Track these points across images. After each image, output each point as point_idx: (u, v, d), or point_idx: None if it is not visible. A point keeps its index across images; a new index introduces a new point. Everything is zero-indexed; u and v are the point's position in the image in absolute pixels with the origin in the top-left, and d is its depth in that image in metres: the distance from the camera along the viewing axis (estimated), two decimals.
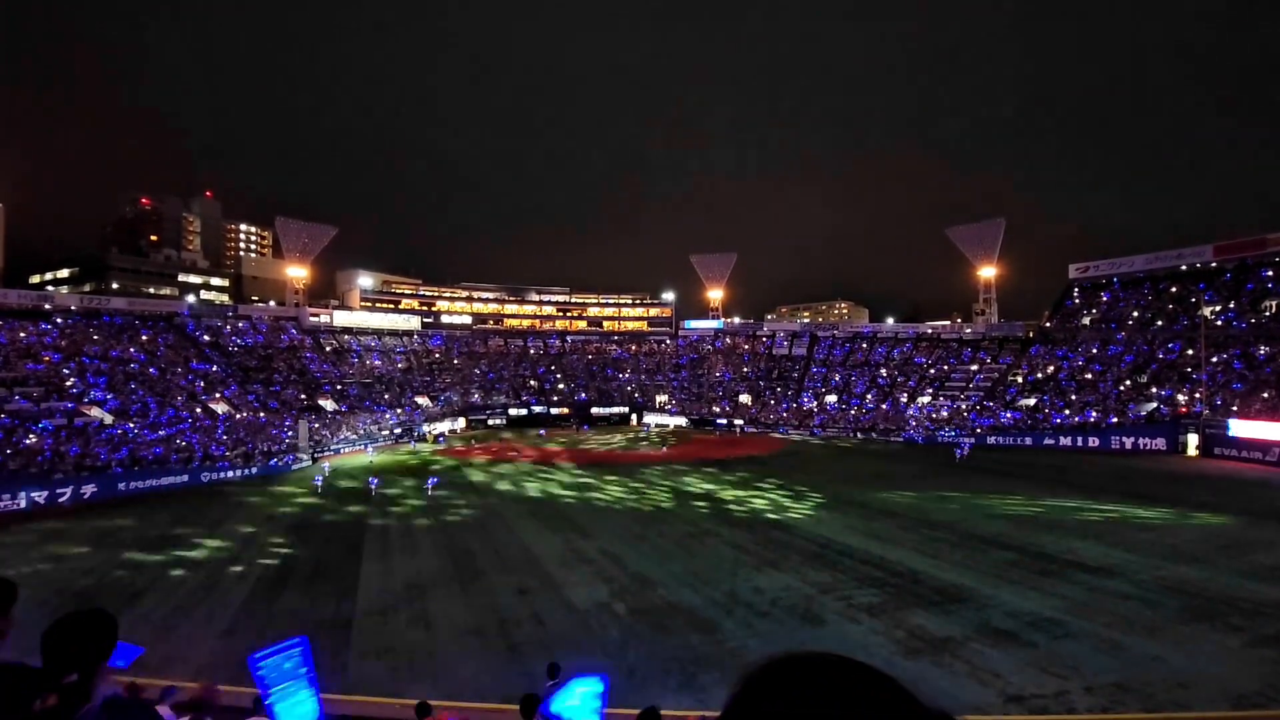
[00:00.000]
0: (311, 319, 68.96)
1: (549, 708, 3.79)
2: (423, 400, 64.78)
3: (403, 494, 31.52)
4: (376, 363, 68.72)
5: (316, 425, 49.91)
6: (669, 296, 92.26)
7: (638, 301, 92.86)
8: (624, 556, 19.80)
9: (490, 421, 67.06)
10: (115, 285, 78.62)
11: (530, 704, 7.65)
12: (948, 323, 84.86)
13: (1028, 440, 46.96)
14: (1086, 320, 58.14)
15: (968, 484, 31.65)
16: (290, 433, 46.00)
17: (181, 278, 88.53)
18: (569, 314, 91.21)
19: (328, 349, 66.34)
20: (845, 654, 0.79)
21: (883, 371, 65.65)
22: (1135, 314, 54.86)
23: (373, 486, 31.76)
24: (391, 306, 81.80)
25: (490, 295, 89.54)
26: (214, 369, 52.49)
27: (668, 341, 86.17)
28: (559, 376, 76.68)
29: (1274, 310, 46.62)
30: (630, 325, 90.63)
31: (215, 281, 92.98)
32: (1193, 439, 40.26)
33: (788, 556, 19.40)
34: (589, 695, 3.72)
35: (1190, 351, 47.06)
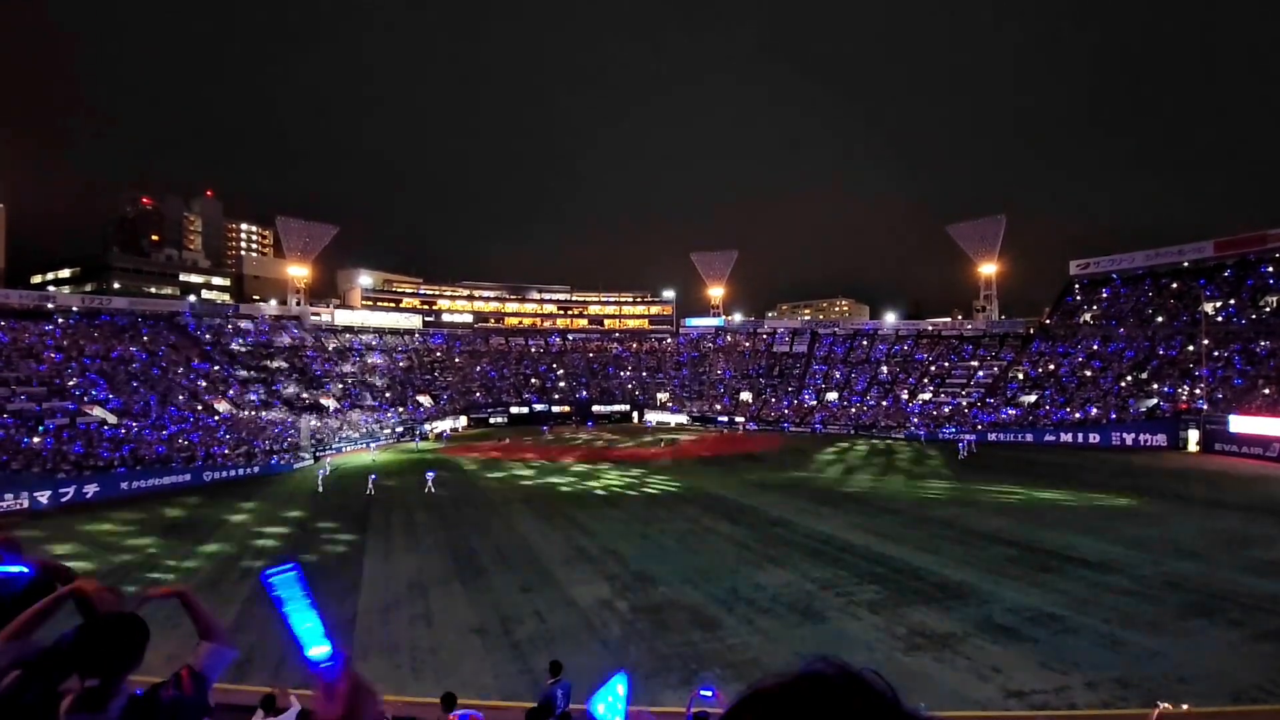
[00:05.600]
0: (313, 318, 69.06)
1: (590, 709, 4.01)
2: (424, 399, 64.88)
3: (404, 492, 31.58)
4: (378, 361, 68.78)
5: (318, 424, 50.01)
6: (670, 294, 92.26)
7: (639, 299, 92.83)
8: (625, 554, 19.84)
9: (492, 420, 67.16)
10: (117, 285, 78.68)
11: (538, 714, 7.68)
12: (948, 320, 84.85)
13: (1029, 437, 46.98)
14: (1087, 317, 58.07)
15: (968, 482, 31.69)
16: (292, 431, 46.08)
17: (183, 277, 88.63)
18: (570, 312, 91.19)
19: (329, 348, 66.42)
20: (850, 673, 0.76)
21: (884, 369, 65.62)
22: (1136, 310, 54.80)
23: (372, 483, 31.79)
24: (393, 305, 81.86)
25: (491, 294, 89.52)
26: (215, 368, 52.58)
27: (669, 339, 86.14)
28: (560, 375, 76.73)
29: (1275, 306, 46.54)
30: (631, 323, 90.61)
31: (216, 281, 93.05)
32: (1193, 435, 40.25)
33: (789, 553, 19.44)
34: (622, 696, 3.91)
35: (1191, 348, 47.01)
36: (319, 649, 1.40)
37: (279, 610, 1.47)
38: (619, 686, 3.95)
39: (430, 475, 32.26)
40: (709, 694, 5.67)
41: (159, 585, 2.31)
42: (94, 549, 22.50)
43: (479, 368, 75.48)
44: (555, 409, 70.06)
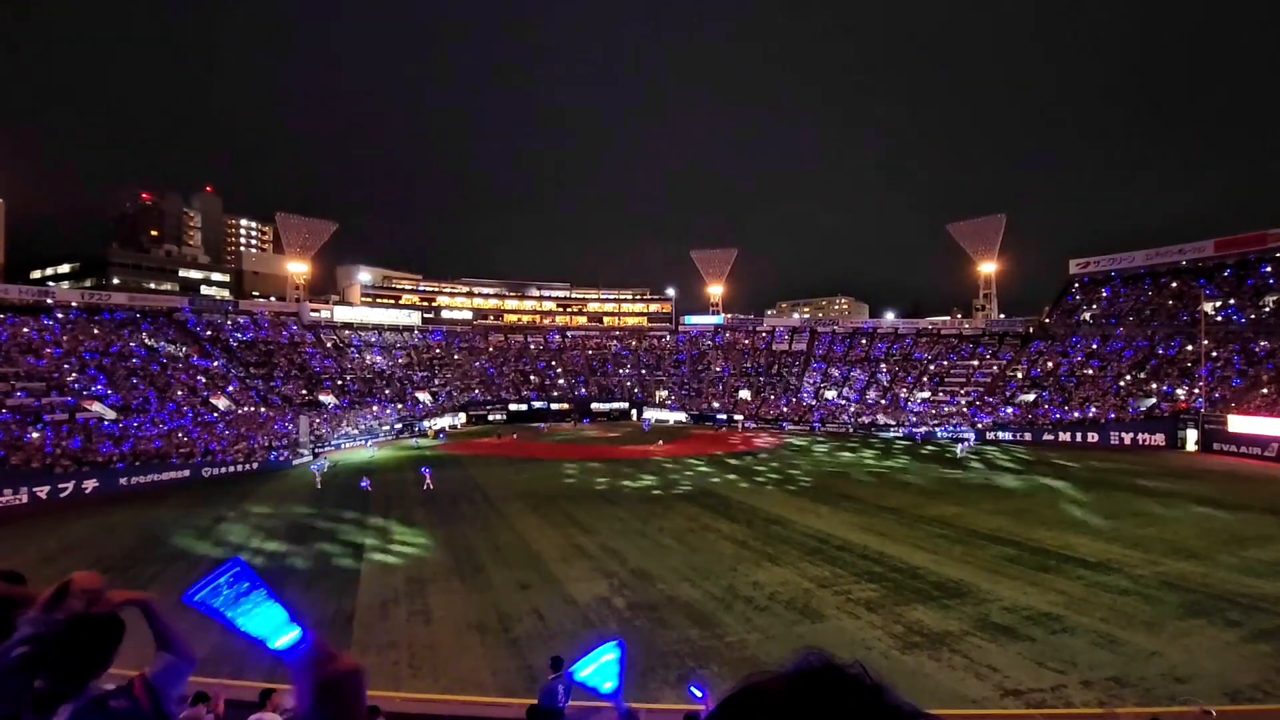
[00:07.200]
0: (312, 314, 68.95)
1: (573, 675, 3.93)
2: (423, 396, 64.85)
3: (402, 490, 31.57)
4: (377, 358, 68.74)
5: (317, 420, 49.99)
6: (669, 292, 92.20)
7: (638, 297, 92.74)
8: (624, 552, 19.86)
9: (490, 417, 67.16)
10: (116, 281, 78.56)
11: (535, 714, 7.75)
12: (948, 318, 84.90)
13: (1027, 436, 47.01)
14: (1087, 316, 58.08)
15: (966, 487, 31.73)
16: (291, 428, 46.08)
17: (182, 273, 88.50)
18: (569, 309, 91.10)
19: (328, 344, 66.35)
20: (838, 668, 0.77)
21: (883, 367, 65.62)
22: (1135, 310, 54.81)
23: (365, 487, 31.53)
24: (392, 302, 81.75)
25: (491, 291, 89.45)
26: (215, 364, 52.54)
27: (668, 337, 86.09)
28: (559, 372, 76.70)
29: (1274, 306, 46.57)
30: (630, 321, 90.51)
31: (216, 277, 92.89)
32: (1192, 434, 40.28)
33: (786, 551, 19.46)
34: (611, 662, 3.83)
35: (1190, 347, 47.05)
36: (283, 639, 1.30)
37: (221, 620, 1.36)
38: (606, 655, 3.88)
39: (426, 472, 32.19)
40: (699, 694, 5.61)
41: (121, 590, 2.18)
42: (91, 545, 22.50)
43: (478, 365, 75.44)
44: (554, 406, 70.05)
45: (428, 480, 31.43)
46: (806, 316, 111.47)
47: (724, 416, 64.82)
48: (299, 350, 62.30)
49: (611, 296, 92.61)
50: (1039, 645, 12.41)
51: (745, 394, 69.10)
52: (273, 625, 1.31)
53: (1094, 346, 53.58)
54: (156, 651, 2.14)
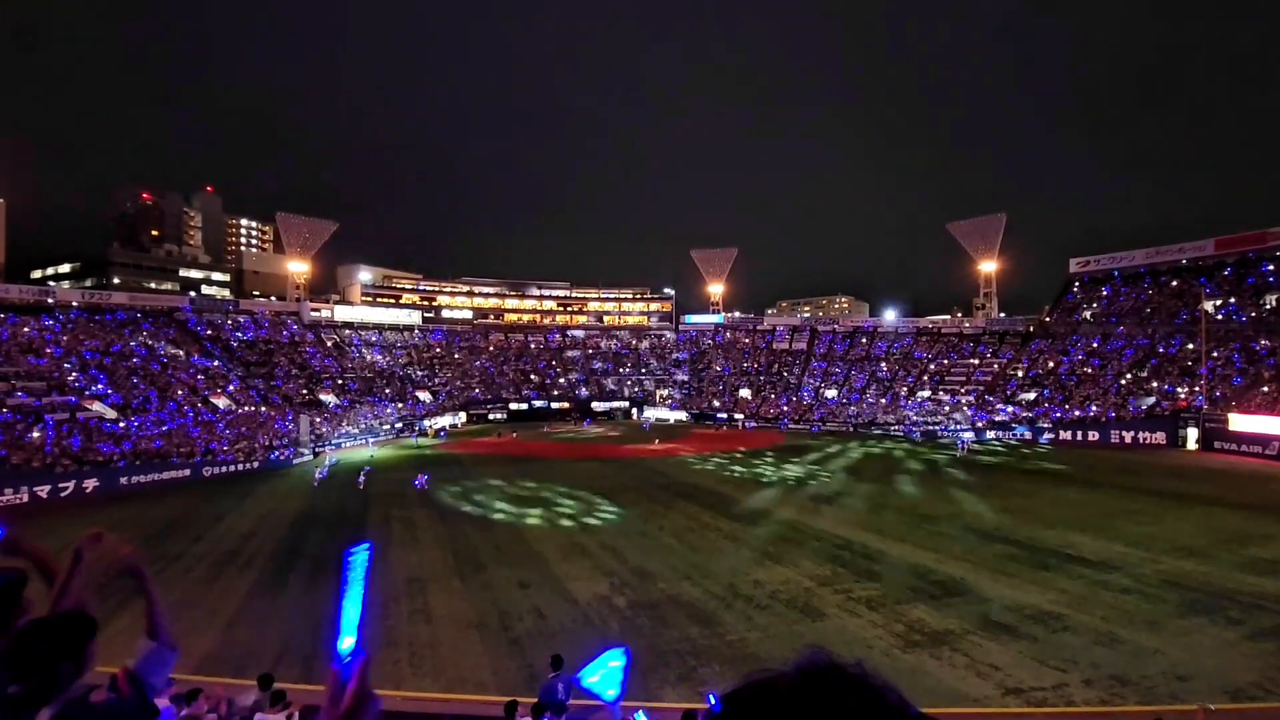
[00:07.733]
0: (312, 314, 68.95)
1: (580, 680, 3.96)
2: (424, 395, 64.86)
3: (402, 489, 31.55)
4: (377, 357, 68.76)
5: (318, 419, 49.99)
6: (670, 291, 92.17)
7: (639, 296, 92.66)
8: (624, 550, 19.85)
9: (491, 416, 67.18)
10: (117, 280, 78.59)
11: (512, 710, 7.78)
12: (948, 317, 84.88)
13: (1027, 434, 46.99)
14: (1087, 314, 58.05)
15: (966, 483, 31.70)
16: (292, 427, 46.08)
17: (183, 273, 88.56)
18: (570, 309, 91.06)
19: (329, 344, 66.35)
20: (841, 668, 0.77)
21: (883, 366, 65.62)
22: (1136, 308, 54.76)
23: (361, 483, 31.62)
24: (392, 301, 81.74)
25: (491, 290, 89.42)
26: (215, 364, 52.55)
27: (668, 336, 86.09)
28: (559, 371, 76.71)
29: (1275, 304, 46.54)
30: (631, 320, 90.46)
31: (216, 276, 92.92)
32: (1192, 433, 40.27)
33: (787, 550, 19.46)
34: (616, 670, 3.84)
35: (1191, 346, 47.01)
36: (348, 640, 1.37)
37: (341, 589, 1.43)
38: (612, 661, 3.89)
39: (420, 481, 32.00)
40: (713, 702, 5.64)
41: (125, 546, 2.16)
42: None
43: (478, 364, 75.46)
44: (555, 405, 70.07)
45: (418, 485, 31.23)
46: (807, 315, 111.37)
47: (724, 415, 64.84)
48: (299, 349, 62.30)
49: (612, 296, 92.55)
50: (1040, 644, 12.39)
51: (745, 393, 69.09)
52: (350, 622, 1.37)
53: (1094, 345, 53.55)
54: (141, 640, 2.11)
